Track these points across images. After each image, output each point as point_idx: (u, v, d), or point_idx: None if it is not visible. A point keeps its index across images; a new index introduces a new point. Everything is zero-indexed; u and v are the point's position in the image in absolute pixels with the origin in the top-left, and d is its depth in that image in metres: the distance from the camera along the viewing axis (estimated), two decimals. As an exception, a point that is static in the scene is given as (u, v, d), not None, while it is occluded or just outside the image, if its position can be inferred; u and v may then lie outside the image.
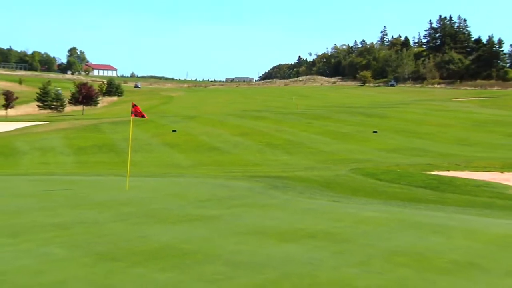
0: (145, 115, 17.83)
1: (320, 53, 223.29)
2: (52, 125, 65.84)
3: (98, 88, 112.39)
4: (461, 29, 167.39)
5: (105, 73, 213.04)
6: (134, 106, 17.36)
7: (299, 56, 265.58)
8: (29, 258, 7.78)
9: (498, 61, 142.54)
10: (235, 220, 10.96)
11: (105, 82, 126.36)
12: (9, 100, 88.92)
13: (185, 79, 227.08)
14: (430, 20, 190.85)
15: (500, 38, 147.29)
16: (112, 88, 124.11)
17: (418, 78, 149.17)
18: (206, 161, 37.55)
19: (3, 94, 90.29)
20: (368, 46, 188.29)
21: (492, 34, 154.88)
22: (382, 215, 11.68)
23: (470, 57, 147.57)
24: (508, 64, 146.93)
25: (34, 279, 6.67)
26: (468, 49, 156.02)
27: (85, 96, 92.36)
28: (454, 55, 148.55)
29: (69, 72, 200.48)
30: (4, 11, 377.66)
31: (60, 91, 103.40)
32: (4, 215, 11.76)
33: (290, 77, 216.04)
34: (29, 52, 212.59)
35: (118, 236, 9.39)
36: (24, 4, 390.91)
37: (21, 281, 6.60)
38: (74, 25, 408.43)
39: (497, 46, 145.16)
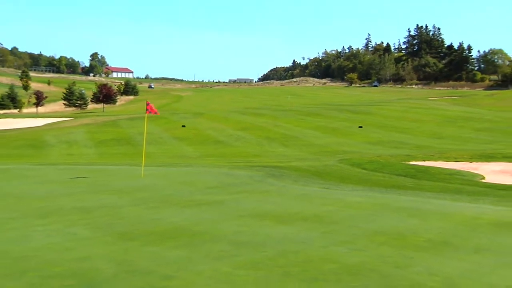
0: (158, 112, 17.74)
1: (312, 58, 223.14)
2: (76, 121, 65.75)
3: (117, 88, 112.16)
4: (436, 37, 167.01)
5: (123, 75, 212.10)
6: (148, 104, 17.33)
7: (294, 60, 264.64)
8: (57, 237, 7.81)
9: (468, 65, 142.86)
10: (238, 205, 10.96)
11: (122, 83, 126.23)
12: (40, 99, 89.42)
13: (193, 80, 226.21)
14: (408, 29, 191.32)
15: (469, 44, 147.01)
16: (129, 88, 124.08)
17: (398, 79, 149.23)
18: (212, 153, 37.49)
19: (35, 94, 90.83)
20: (355, 51, 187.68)
21: (462, 41, 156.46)
22: (367, 200, 11.68)
23: (443, 61, 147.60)
24: (476, 67, 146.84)
25: (62, 255, 6.70)
26: (442, 54, 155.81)
27: (105, 95, 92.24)
28: (429, 59, 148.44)
29: (91, 74, 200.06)
30: (35, 21, 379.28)
31: (83, 91, 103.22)
32: (36, 200, 11.78)
33: (285, 79, 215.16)
34: (57, 57, 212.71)
35: (135, 218, 9.40)
36: (53, 15, 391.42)
37: (50, 256, 6.63)
38: (96, 33, 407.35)
39: (467, 52, 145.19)
